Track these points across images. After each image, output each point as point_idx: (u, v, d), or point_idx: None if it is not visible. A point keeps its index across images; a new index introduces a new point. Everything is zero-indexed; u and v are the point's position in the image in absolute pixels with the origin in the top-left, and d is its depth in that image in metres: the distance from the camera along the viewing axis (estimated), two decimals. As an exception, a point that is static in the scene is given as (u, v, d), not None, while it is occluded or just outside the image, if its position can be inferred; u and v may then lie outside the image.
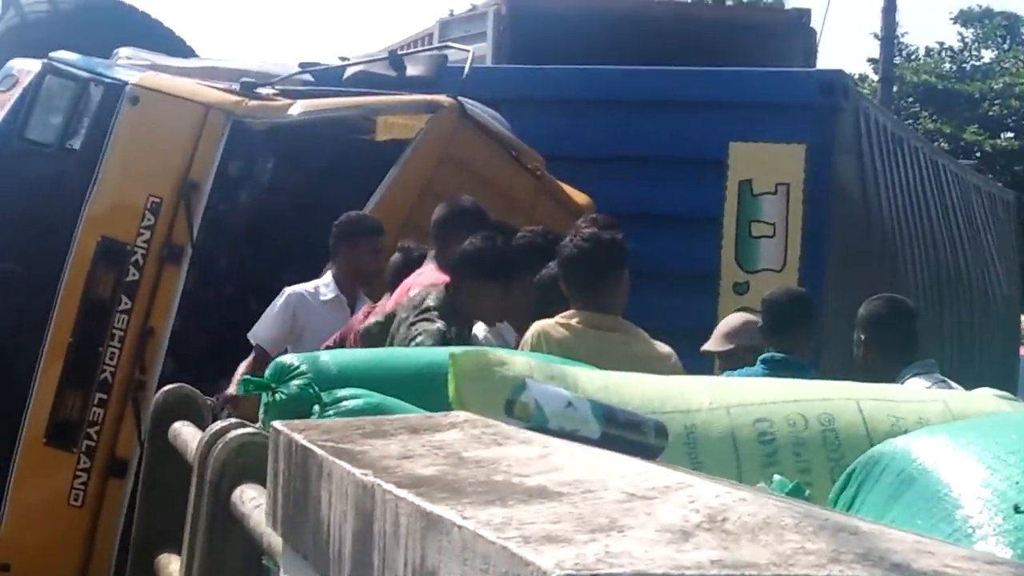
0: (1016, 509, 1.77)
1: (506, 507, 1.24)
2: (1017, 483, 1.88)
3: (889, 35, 18.22)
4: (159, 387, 6.41)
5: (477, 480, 1.42)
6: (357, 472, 1.54)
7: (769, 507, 1.19)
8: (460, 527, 1.15)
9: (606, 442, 2.38)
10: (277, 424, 2.15)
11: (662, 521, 1.12)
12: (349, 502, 1.56)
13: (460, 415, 2.27)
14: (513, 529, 1.12)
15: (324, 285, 7.17)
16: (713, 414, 3.22)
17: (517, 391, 2.83)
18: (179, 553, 4.57)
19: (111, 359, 7.54)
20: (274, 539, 2.77)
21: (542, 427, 2.28)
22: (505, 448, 1.70)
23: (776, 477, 2.55)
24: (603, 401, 3.04)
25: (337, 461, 1.63)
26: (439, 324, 5.66)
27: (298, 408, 3.76)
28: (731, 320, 6.79)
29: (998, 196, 14.99)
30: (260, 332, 6.87)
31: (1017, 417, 3.07)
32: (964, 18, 37.47)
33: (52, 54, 8.18)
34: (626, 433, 2.68)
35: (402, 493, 1.36)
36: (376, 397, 3.66)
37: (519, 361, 3.82)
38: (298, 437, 1.89)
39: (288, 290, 7.14)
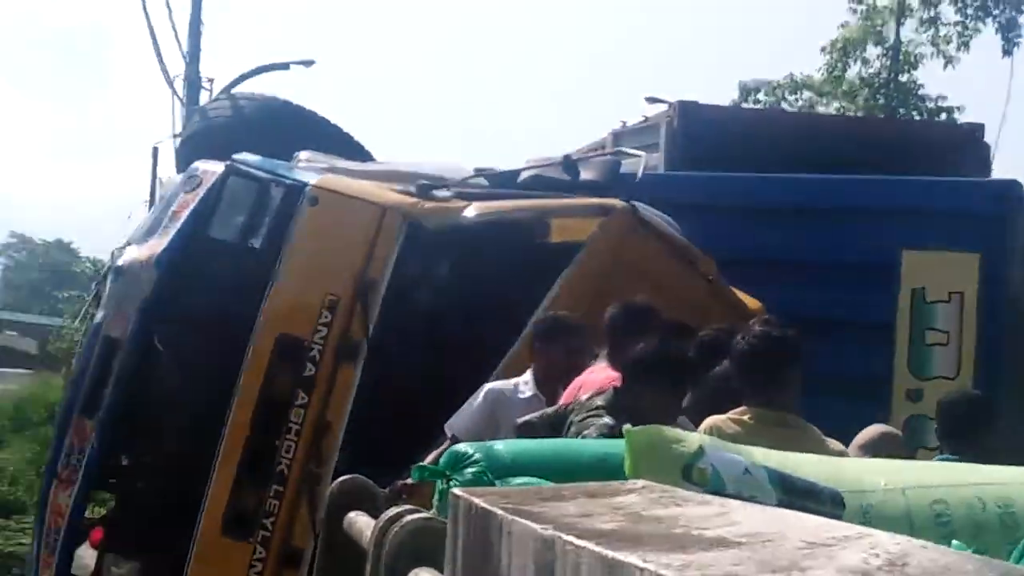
0: None
1: (687, 553, 1.25)
2: None
3: None
4: (333, 479, 6.52)
5: (657, 533, 1.44)
6: (537, 527, 1.54)
7: (949, 555, 1.18)
8: (642, 569, 1.16)
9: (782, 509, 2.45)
10: (457, 491, 2.14)
11: (843, 564, 1.11)
12: (529, 556, 1.54)
13: (638, 482, 2.21)
14: (694, 570, 1.14)
15: (524, 383, 6.88)
16: (889, 495, 3.15)
17: (695, 457, 3.07)
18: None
19: (287, 452, 7.58)
20: None
21: (719, 492, 2.38)
22: (683, 508, 1.70)
23: (954, 542, 2.47)
24: (779, 469, 3.06)
25: (517, 519, 1.63)
26: (607, 419, 5.52)
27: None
28: (869, 431, 6.25)
29: None
30: (457, 424, 6.61)
31: None
32: None
33: (235, 156, 8.43)
34: (803, 501, 2.72)
35: (583, 543, 1.36)
36: (549, 486, 3.84)
37: (693, 437, 3.76)
38: (478, 501, 1.88)
39: (488, 386, 6.89)
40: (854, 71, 28.18)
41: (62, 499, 8.23)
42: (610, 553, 1.27)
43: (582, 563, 1.35)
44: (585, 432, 5.62)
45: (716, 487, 2.84)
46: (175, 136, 13.48)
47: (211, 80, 16.84)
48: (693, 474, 3.13)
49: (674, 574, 1.14)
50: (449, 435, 6.61)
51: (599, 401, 5.75)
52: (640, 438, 3.51)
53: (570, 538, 1.40)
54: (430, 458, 6.60)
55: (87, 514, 8.56)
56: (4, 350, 51.36)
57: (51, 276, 69.30)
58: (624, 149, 10.60)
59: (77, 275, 53.12)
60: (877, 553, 1.19)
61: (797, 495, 3.13)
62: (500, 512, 1.73)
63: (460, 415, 6.80)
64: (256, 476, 7.71)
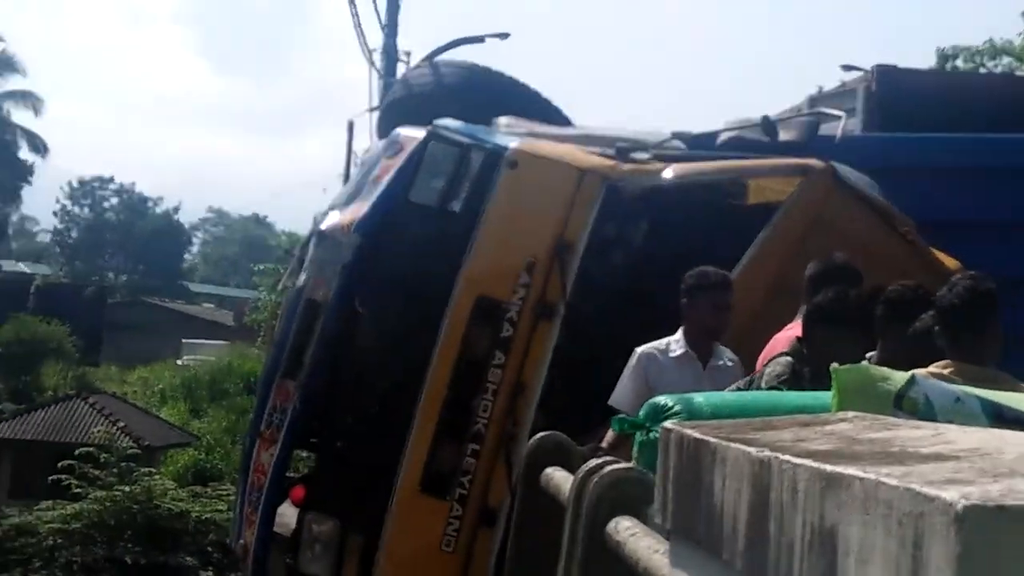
0: None
1: (905, 466, 1.27)
2: None
3: None
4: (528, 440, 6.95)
5: (873, 451, 1.45)
6: (752, 450, 1.58)
7: None
8: (862, 479, 1.18)
9: (995, 437, 2.47)
10: (668, 424, 2.19)
11: None
12: (744, 480, 1.58)
13: (848, 413, 2.20)
14: (915, 478, 1.14)
15: (675, 341, 7.11)
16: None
17: (907, 387, 3.28)
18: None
19: (484, 412, 7.74)
20: (653, 560, 2.88)
21: (930, 420, 2.39)
22: (897, 431, 1.72)
23: None
24: (992, 399, 3.00)
25: (732, 445, 1.68)
26: (788, 358, 5.94)
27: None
28: None
29: None
30: (618, 397, 6.83)
31: None
32: None
33: (436, 122, 8.60)
34: (1016, 429, 2.63)
35: (800, 460, 1.40)
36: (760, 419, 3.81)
37: (901, 374, 3.86)
38: (690, 432, 1.93)
39: (638, 350, 7.11)
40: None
41: (264, 458, 8.59)
42: (828, 467, 1.30)
43: (799, 480, 1.38)
44: (767, 370, 6.06)
45: (927, 415, 2.89)
46: (372, 109, 13.60)
47: (408, 53, 17.01)
48: (904, 403, 3.29)
49: (895, 482, 1.15)
50: (616, 407, 6.78)
51: (782, 347, 6.19)
52: (848, 375, 3.70)
53: (787, 457, 1.43)
54: (609, 436, 6.85)
55: (289, 473, 8.96)
56: (202, 322, 53.98)
57: (247, 250, 70.90)
58: (823, 110, 10.62)
59: (272, 248, 54.56)
60: None
61: (1010, 423, 3.09)
62: (713, 440, 1.77)
63: (619, 386, 6.99)
64: (454, 435, 7.88)
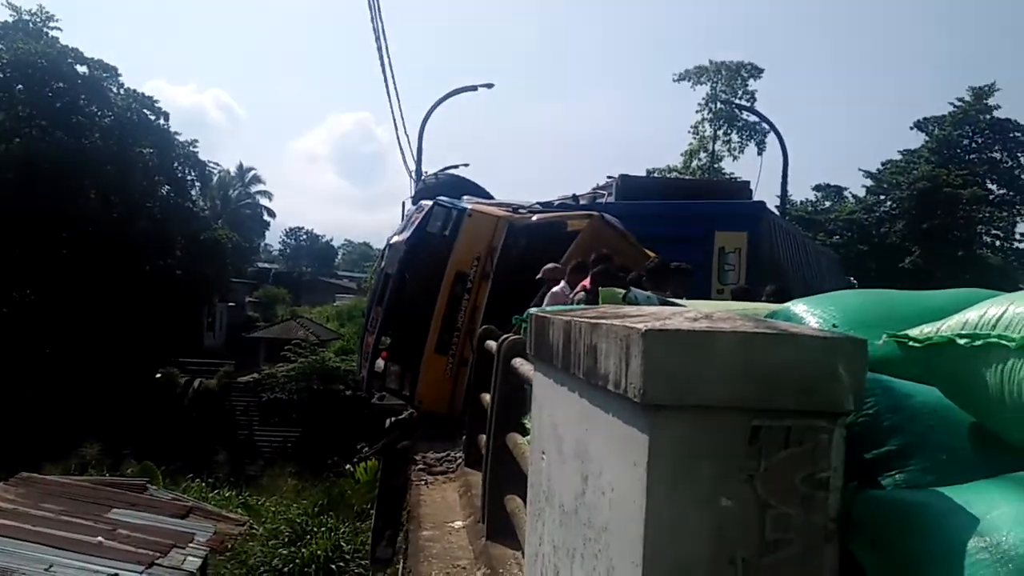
0: None
1: (623, 319, 1.59)
2: None
3: (784, 193, 22.18)
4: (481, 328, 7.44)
5: (607, 316, 1.76)
6: (564, 318, 1.97)
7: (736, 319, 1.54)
8: (607, 323, 1.57)
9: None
10: (531, 310, 2.75)
11: (688, 317, 1.54)
12: (560, 330, 1.97)
13: (604, 305, 3.26)
14: (626, 320, 1.52)
15: (564, 285, 8.01)
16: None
17: (627, 294, 4.14)
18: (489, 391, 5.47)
19: (461, 318, 9.55)
20: (527, 370, 3.79)
21: (635, 303, 3.43)
22: (622, 310, 2.18)
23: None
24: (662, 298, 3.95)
25: (555, 318, 2.10)
26: (583, 294, 7.10)
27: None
28: None
29: (830, 255, 17.43)
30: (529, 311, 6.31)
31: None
32: (818, 188, 46.25)
33: (438, 197, 10.45)
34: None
35: (582, 319, 1.80)
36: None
37: (621, 291, 4.67)
38: (539, 314, 2.35)
39: (552, 291, 8.08)
40: (695, 164, 43.58)
41: (369, 340, 10.59)
42: (594, 321, 1.66)
43: (583, 327, 1.73)
44: (577, 299, 7.07)
45: (635, 302, 3.57)
46: (411, 196, 14.69)
47: (426, 172, 18.08)
48: (626, 300, 3.98)
49: (619, 322, 1.52)
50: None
51: (583, 293, 7.14)
52: (605, 293, 4.72)
53: (577, 319, 1.81)
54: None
55: (380, 345, 10.37)
56: (341, 288, 58.95)
57: (364, 258, 76.84)
58: (599, 191, 12.69)
59: (373, 257, 60.41)
60: (698, 315, 1.60)
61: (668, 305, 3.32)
62: (550, 317, 2.17)
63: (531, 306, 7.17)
64: (448, 328, 9.63)
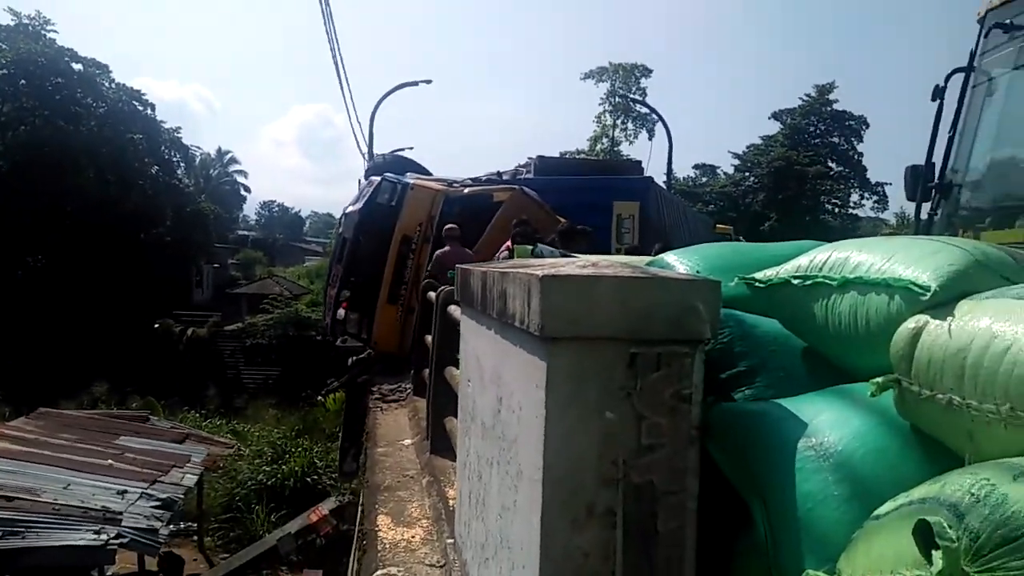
0: None
1: (527, 268, 1.57)
2: None
3: (669, 171, 21.14)
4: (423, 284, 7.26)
5: (518, 267, 1.72)
6: (482, 268, 2.05)
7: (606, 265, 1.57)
8: (514, 272, 1.55)
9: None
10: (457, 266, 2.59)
11: (578, 265, 1.57)
12: (480, 278, 1.96)
13: (519, 259, 3.64)
14: (529, 269, 1.54)
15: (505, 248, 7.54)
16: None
17: (536, 249, 4.54)
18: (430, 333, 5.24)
19: (407, 274, 9.30)
20: (457, 314, 3.45)
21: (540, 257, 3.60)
22: (530, 261, 2.49)
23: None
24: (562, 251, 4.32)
25: (475, 269, 2.09)
26: (506, 252, 6.83)
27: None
28: None
29: (706, 220, 16.91)
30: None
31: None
32: (696, 166, 46.62)
33: (385, 173, 10.07)
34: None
35: (495, 268, 1.85)
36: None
37: (532, 248, 5.21)
38: (464, 267, 2.67)
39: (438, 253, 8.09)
40: (599, 147, 42.40)
41: (331, 293, 10.26)
42: (504, 271, 1.64)
43: (496, 276, 1.73)
44: (502, 256, 6.76)
45: (542, 256, 3.92)
46: (365, 174, 13.25)
47: (377, 153, 17.38)
48: (534, 254, 4.37)
49: (524, 271, 1.52)
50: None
51: (506, 252, 6.86)
52: (519, 249, 5.25)
53: (492, 270, 1.80)
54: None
55: (340, 297, 9.90)
56: (309, 251, 56.95)
57: (327, 226, 73.80)
58: (520, 168, 12.32)
59: (335, 225, 60.87)
60: (588, 263, 1.67)
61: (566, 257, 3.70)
62: (472, 268, 2.25)
63: None
64: (397, 282, 9.35)
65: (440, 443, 4.72)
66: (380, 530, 3.65)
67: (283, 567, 13.22)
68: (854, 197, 42.17)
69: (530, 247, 5.51)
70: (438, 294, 5.00)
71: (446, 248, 8.16)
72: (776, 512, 1.22)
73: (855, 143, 41.91)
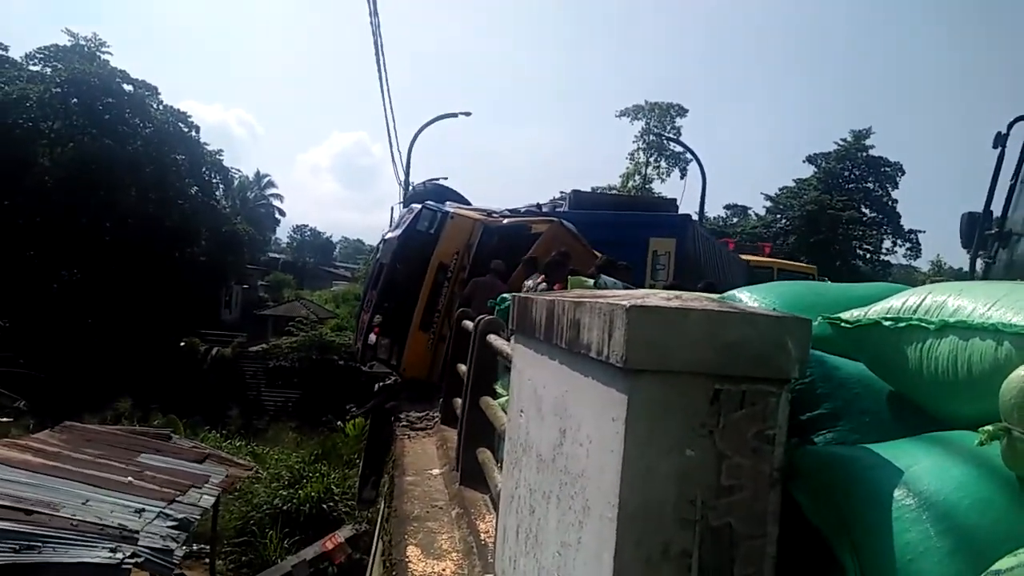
0: None
1: (601, 299, 1.54)
2: None
3: (702, 210, 21.52)
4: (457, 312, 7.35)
5: (587, 298, 1.67)
6: (546, 298, 1.99)
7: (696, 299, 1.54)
8: (590, 302, 1.52)
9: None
10: (514, 295, 2.58)
11: (662, 297, 1.50)
12: (543, 308, 1.92)
13: (577, 289, 3.41)
14: (611, 299, 1.47)
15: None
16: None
17: (598, 280, 4.85)
18: (464, 362, 5.37)
19: (442, 302, 9.38)
20: (502, 345, 4.00)
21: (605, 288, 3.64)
22: (597, 292, 2.30)
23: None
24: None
25: (537, 298, 2.07)
26: (544, 283, 6.91)
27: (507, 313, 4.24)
28: None
29: (740, 261, 15.61)
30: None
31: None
32: (727, 207, 47.37)
33: (426, 202, 10.17)
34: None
35: (563, 298, 1.78)
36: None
37: (591, 280, 5.40)
38: (523, 296, 2.35)
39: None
40: (631, 184, 42.59)
41: (364, 318, 10.27)
42: (576, 300, 1.64)
43: (566, 305, 1.69)
44: (539, 287, 6.79)
45: (606, 287, 3.70)
46: (400, 201, 14.93)
47: (413, 182, 18.01)
48: (598, 284, 4.38)
49: (602, 302, 1.48)
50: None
51: (543, 284, 6.94)
52: (574, 280, 5.16)
53: (561, 299, 1.79)
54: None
55: (373, 323, 9.96)
56: (338, 275, 57.67)
57: (353, 252, 76.02)
58: (557, 200, 12.35)
59: (366, 251, 58.98)
60: (669, 296, 1.55)
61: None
62: (533, 297, 2.19)
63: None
64: (431, 310, 9.43)
65: (470, 474, 4.71)
66: (411, 561, 3.60)
67: (295, 595, 13.03)
68: (887, 244, 41.73)
69: (588, 279, 5.49)
70: (477, 323, 4.97)
71: (482, 278, 8.21)
72: (871, 563, 1.16)
73: (889, 189, 41.61)
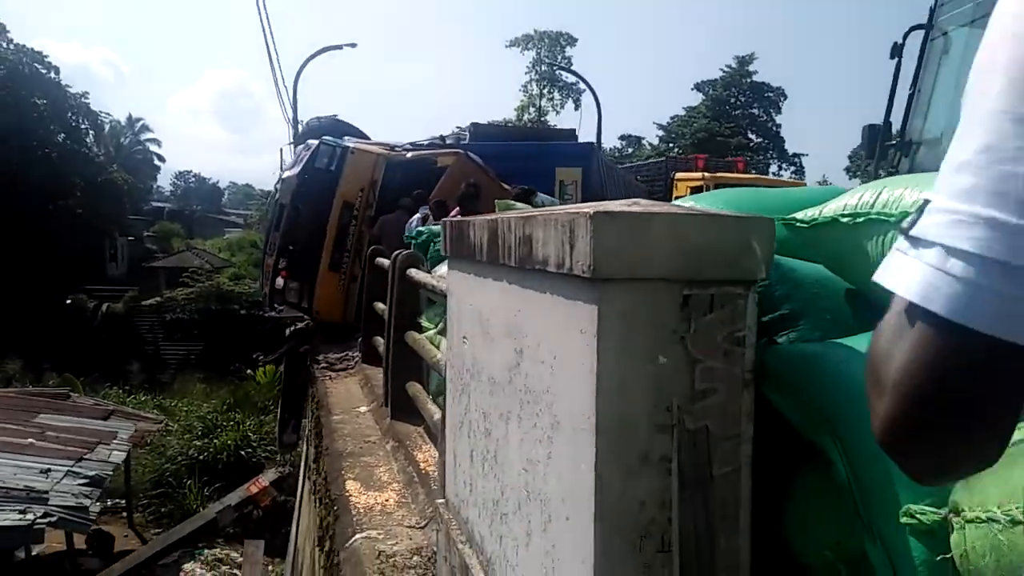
0: None
1: (565, 210, 1.42)
2: None
3: (599, 140, 20.45)
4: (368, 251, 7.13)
5: (522, 215, 1.63)
6: (488, 218, 1.88)
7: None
8: (543, 215, 1.47)
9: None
10: (446, 220, 2.45)
11: (621, 203, 1.46)
12: (483, 232, 1.86)
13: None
14: (560, 211, 1.42)
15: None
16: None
17: (535, 200, 4.96)
18: (385, 302, 5.26)
19: (350, 240, 9.26)
20: (423, 277, 4.07)
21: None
22: (527, 210, 1.98)
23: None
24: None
25: (474, 220, 2.01)
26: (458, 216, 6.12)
27: (424, 247, 4.91)
28: None
29: (638, 185, 16.14)
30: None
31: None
32: (622, 137, 47.88)
33: (324, 137, 9.85)
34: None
35: (510, 216, 1.71)
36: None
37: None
38: (455, 221, 2.24)
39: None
40: (526, 117, 42.24)
41: (268, 262, 10.03)
42: (525, 217, 1.57)
43: (514, 222, 1.64)
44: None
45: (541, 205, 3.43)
46: (290, 142, 14.19)
47: (302, 120, 16.47)
48: (532, 202, 4.49)
49: (561, 211, 1.44)
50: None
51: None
52: (501, 204, 4.68)
53: (505, 217, 1.72)
54: None
55: (279, 266, 9.67)
56: (229, 223, 55.95)
57: (244, 198, 72.41)
58: (462, 132, 12.19)
59: (256, 196, 57.05)
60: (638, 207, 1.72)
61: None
62: (467, 220, 2.15)
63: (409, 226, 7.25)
64: (339, 249, 9.29)
65: (400, 408, 4.69)
66: (351, 495, 3.54)
67: (219, 539, 12.86)
68: (773, 168, 43.60)
69: (512, 201, 5.41)
70: (394, 258, 4.85)
71: (390, 215, 8.11)
72: (856, 450, 1.17)
73: (773, 114, 43.14)
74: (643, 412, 1.39)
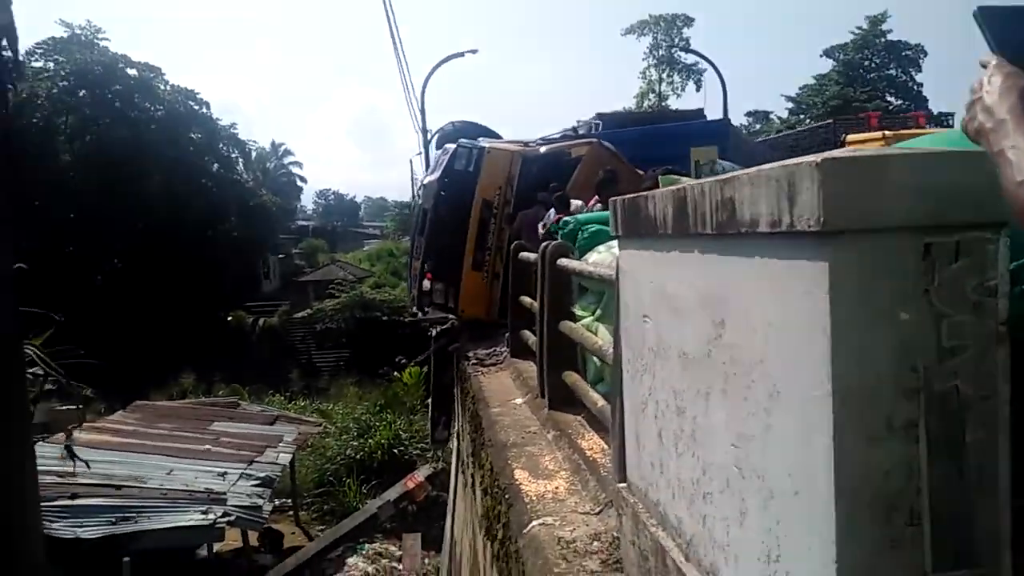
0: None
1: (775, 165, 1.32)
2: None
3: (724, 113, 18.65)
4: (509, 246, 7.42)
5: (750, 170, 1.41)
6: (661, 194, 1.85)
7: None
8: (753, 173, 1.36)
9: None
10: (612, 199, 2.38)
11: (846, 150, 1.37)
12: (667, 204, 1.81)
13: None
14: (772, 167, 1.31)
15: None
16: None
17: (716, 167, 5.26)
18: (531, 295, 5.38)
19: (491, 237, 9.31)
20: (585, 268, 3.98)
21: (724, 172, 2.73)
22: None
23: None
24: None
25: (652, 195, 1.97)
26: (599, 204, 6.56)
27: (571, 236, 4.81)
28: None
29: (776, 157, 14.51)
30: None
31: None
32: (749, 113, 45.64)
33: (460, 140, 9.90)
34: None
35: (695, 182, 1.66)
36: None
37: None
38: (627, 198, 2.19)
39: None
40: (647, 103, 41.41)
41: (415, 265, 10.19)
42: (738, 173, 1.47)
43: (708, 192, 1.56)
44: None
45: (724, 171, 2.81)
46: (420, 151, 14.98)
47: (430, 129, 17.18)
48: (714, 170, 4.08)
49: (814, 159, 1.26)
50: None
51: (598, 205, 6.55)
52: (666, 180, 4.67)
53: (703, 183, 1.61)
54: None
55: (424, 268, 9.76)
56: (367, 235, 57.82)
57: (379, 210, 75.56)
58: (593, 122, 11.79)
59: (391, 208, 60.03)
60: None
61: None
62: (643, 196, 2.02)
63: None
64: (480, 248, 9.34)
65: (558, 398, 4.63)
66: (521, 484, 3.55)
67: (378, 534, 13.47)
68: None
69: (678, 177, 5.21)
70: (543, 250, 4.82)
71: (529, 210, 8.02)
72: None
73: (914, 74, 39.92)
74: (885, 375, 1.27)
